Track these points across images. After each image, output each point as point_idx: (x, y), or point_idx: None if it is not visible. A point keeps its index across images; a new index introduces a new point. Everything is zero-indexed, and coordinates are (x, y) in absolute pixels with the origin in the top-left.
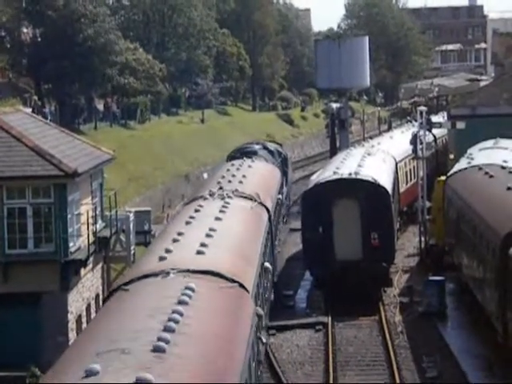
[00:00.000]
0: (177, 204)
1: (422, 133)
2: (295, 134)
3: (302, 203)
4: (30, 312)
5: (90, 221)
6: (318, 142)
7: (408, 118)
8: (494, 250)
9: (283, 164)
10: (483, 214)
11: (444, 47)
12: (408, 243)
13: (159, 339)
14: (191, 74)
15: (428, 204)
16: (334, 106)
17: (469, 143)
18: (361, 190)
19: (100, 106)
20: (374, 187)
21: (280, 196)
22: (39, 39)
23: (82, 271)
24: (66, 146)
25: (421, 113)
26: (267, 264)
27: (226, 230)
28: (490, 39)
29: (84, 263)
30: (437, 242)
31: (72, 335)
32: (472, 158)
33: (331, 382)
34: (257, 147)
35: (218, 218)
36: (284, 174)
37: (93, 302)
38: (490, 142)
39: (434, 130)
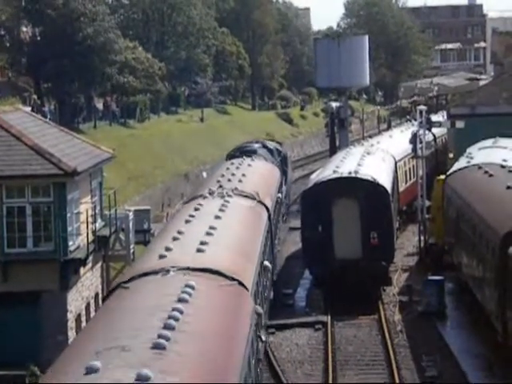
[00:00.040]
0: (176, 203)
1: (421, 132)
2: (295, 133)
3: (302, 202)
4: (30, 311)
5: (90, 220)
6: (318, 141)
7: (407, 117)
8: (493, 249)
9: (283, 163)
10: (483, 213)
11: (443, 46)
12: (407, 242)
13: (159, 336)
14: (190, 73)
15: (427, 203)
16: (334, 104)
17: (468, 142)
18: (360, 189)
19: (99, 105)
20: (373, 186)
21: (279, 195)
22: (39, 38)
23: (82, 270)
24: (66, 145)
25: (420, 112)
26: (267, 262)
27: (225, 229)
28: (490, 38)
29: (83, 262)
30: (436, 241)
31: (71, 334)
32: (471, 157)
33: (330, 381)
34: (256, 146)
35: (217, 217)
36: (283, 172)
37: (92, 301)
38: (489, 141)
39: (434, 129)
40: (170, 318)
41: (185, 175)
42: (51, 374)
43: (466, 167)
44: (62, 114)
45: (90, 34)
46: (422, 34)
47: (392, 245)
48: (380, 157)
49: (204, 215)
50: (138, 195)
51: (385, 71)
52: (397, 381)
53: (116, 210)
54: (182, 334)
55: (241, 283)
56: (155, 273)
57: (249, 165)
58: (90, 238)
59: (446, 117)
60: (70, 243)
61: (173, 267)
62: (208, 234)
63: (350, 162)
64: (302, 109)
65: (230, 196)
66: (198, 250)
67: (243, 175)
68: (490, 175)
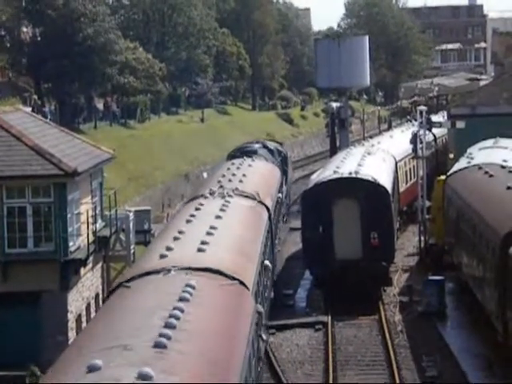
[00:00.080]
0: (176, 203)
1: (421, 132)
2: (295, 133)
3: (302, 202)
4: (30, 311)
5: (90, 220)
6: (318, 142)
7: (408, 117)
8: (493, 249)
9: (283, 163)
10: (483, 213)
11: (444, 46)
12: (408, 242)
13: (160, 335)
14: (191, 74)
15: (428, 203)
16: (334, 105)
17: (469, 142)
18: (361, 189)
19: (100, 106)
20: (373, 186)
21: (280, 195)
22: (39, 38)
23: (82, 270)
24: (66, 146)
25: (421, 112)
26: (267, 262)
27: (226, 229)
28: (490, 38)
29: (84, 262)
30: (436, 241)
31: (72, 334)
32: (472, 158)
33: (331, 381)
34: (257, 146)
35: (218, 217)
36: (284, 172)
37: (92, 302)
38: (489, 142)
39: (434, 130)
40: (171, 316)
41: (185, 176)
42: (53, 373)
43: (466, 167)
44: (62, 114)
45: (90, 35)
46: (422, 34)
47: (392, 245)
48: (380, 157)
49: (205, 215)
50: (138, 196)
51: (385, 71)
52: (397, 381)
53: (116, 211)
54: (183, 332)
55: (241, 282)
56: (156, 272)
57: (249, 165)
58: (91, 238)
59: (446, 117)
60: (71, 243)
61: (174, 267)
62: (209, 233)
63: (351, 163)
64: (302, 109)
65: (230, 196)
66: (199, 250)
67: (244, 175)
68: (491, 176)
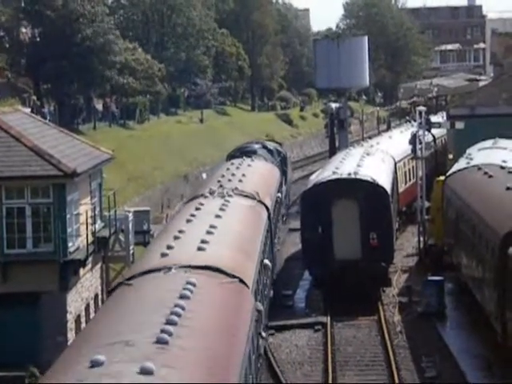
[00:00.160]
0: (176, 204)
1: (421, 133)
2: (294, 133)
3: (301, 203)
4: (29, 312)
5: (89, 221)
6: (317, 142)
7: (407, 117)
8: (493, 250)
9: (282, 163)
10: (482, 213)
11: (443, 47)
12: (407, 243)
13: (162, 331)
14: (190, 74)
15: (427, 204)
16: (333, 105)
17: (468, 143)
18: (360, 189)
19: (99, 106)
20: (373, 187)
21: (279, 194)
22: (38, 39)
23: (81, 271)
24: (65, 146)
25: (420, 113)
26: (267, 261)
27: (226, 227)
28: (489, 39)
29: (83, 263)
30: (436, 241)
31: (71, 335)
32: (471, 158)
33: (330, 382)
34: (256, 146)
35: (218, 216)
36: (283, 172)
37: (92, 302)
38: (489, 142)
39: (433, 130)
40: (172, 313)
41: (184, 176)
42: (56, 368)
43: (465, 168)
44: (61, 115)
45: (89, 35)
46: (421, 34)
47: (391, 246)
48: (379, 158)
49: (205, 214)
50: (137, 196)
51: (384, 72)
52: (396, 381)
53: (115, 211)
54: (184, 329)
55: (241, 280)
56: (157, 270)
57: (249, 165)
58: (90, 239)
59: (445, 118)
60: (70, 244)
61: (174, 265)
62: (209, 232)
63: (350, 163)
64: (301, 110)
65: (230, 196)
66: (199, 249)
67: (243, 175)
68: (490, 176)
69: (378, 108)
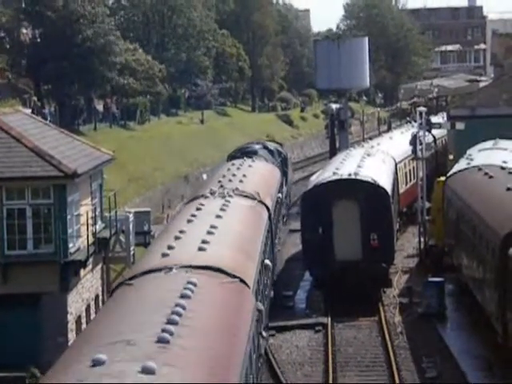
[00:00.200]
0: (176, 204)
1: (421, 133)
2: (295, 134)
3: (302, 204)
4: (30, 313)
5: (90, 221)
6: (318, 143)
7: (407, 118)
8: (493, 251)
9: (283, 163)
10: (483, 214)
11: (443, 48)
12: (407, 244)
13: (163, 331)
14: (191, 75)
15: (427, 205)
16: (334, 106)
17: (468, 144)
18: (360, 190)
19: (99, 107)
20: (373, 188)
21: (280, 195)
22: (38, 40)
23: (82, 272)
24: (66, 147)
25: (420, 113)
26: (267, 261)
27: (226, 228)
28: (490, 40)
29: (83, 264)
30: (436, 242)
31: (71, 336)
32: (471, 159)
33: (331, 382)
34: (257, 147)
35: (218, 216)
36: (284, 173)
37: (92, 303)
38: (489, 143)
39: (434, 131)
40: (173, 313)
41: (185, 177)
42: (58, 367)
43: (466, 169)
44: (62, 115)
45: (89, 36)
46: (421, 35)
47: (392, 246)
48: (380, 158)
49: (205, 215)
50: (138, 197)
51: (385, 73)
52: (397, 382)
53: (116, 212)
54: (185, 328)
55: (242, 280)
56: (158, 270)
57: (249, 165)
58: (90, 239)
59: (445, 118)
60: (70, 245)
61: (175, 265)
62: (209, 232)
63: (350, 164)
64: (302, 110)
65: (230, 196)
66: (200, 249)
67: (244, 175)
68: (490, 177)
69: (379, 109)
